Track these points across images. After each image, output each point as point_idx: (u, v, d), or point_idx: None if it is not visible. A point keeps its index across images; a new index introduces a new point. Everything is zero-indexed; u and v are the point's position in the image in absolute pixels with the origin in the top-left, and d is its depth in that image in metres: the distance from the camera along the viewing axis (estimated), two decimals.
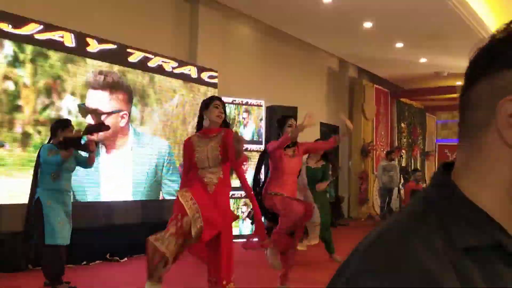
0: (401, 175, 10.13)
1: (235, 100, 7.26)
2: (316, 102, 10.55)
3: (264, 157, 4.18)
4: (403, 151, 12.79)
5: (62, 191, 3.97)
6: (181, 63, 6.67)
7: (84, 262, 5.05)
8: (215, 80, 7.07)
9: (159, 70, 6.27)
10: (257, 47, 8.81)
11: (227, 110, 7.07)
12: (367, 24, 8.37)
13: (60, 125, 4.08)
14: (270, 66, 9.04)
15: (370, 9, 7.68)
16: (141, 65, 6.06)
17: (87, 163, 4.14)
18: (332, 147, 4.36)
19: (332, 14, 7.86)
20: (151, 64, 6.19)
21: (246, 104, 7.34)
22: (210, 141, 3.12)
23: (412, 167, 12.75)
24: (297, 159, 4.09)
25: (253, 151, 7.01)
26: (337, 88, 11.33)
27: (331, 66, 11.18)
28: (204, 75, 6.94)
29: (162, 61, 6.33)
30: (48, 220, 3.80)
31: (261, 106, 7.45)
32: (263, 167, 4.23)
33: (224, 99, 7.16)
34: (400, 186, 9.75)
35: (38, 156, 3.96)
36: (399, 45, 9.52)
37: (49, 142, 4.09)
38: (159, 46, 6.56)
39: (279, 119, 4.40)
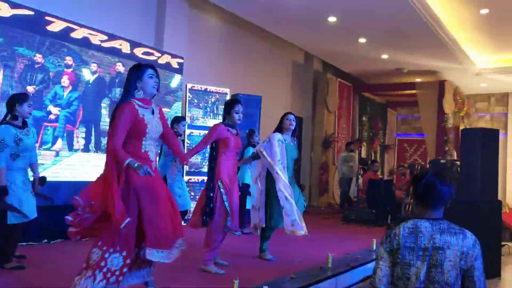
0: (360, 166, 10.49)
1: (200, 88, 7.37)
2: (281, 93, 10.77)
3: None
4: (364, 143, 13.22)
5: (20, 170, 3.98)
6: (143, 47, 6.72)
7: (45, 240, 5.12)
8: (176, 66, 7.14)
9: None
10: (224, 36, 8.93)
11: (193, 97, 7.17)
12: (332, 19, 8.61)
13: (17, 99, 3.98)
14: (236, 55, 9.18)
15: (335, 3, 7.92)
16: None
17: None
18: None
19: (298, 7, 8.05)
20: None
21: (211, 91, 7.46)
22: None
23: (372, 159, 13.20)
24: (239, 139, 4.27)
25: None
26: (301, 80, 11.59)
27: (296, 59, 11.41)
28: (166, 59, 6.99)
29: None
30: (10, 199, 3.81)
31: (226, 94, 7.58)
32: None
33: (190, 86, 7.29)
34: (359, 176, 10.11)
35: None
36: (362, 40, 9.83)
37: (4, 119, 3.99)
38: (125, 31, 6.58)
39: (227, 102, 4.43)
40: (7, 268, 3.84)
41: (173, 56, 7.07)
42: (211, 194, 4.00)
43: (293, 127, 4.75)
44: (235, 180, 4.21)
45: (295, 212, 4.36)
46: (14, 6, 5.06)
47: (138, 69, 2.97)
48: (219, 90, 7.56)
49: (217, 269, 4.05)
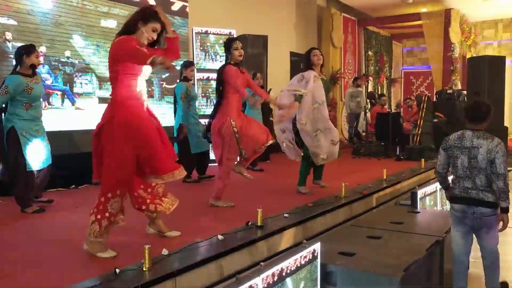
0: (368, 100, 10.60)
1: (207, 30, 7.37)
2: (286, 31, 10.68)
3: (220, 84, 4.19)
4: (370, 78, 13.23)
5: (34, 119, 4.14)
6: None
7: (73, 186, 5.43)
8: (181, 10, 7.12)
9: None
10: None
11: (199, 40, 7.17)
12: None
13: (25, 51, 4.11)
14: None
15: None
16: None
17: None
18: (263, 99, 4.39)
19: None
20: None
21: (218, 34, 7.47)
22: None
23: (379, 93, 13.27)
24: (246, 75, 4.28)
25: None
26: (306, 16, 11.44)
27: None
28: (176, 6, 6.97)
29: None
30: (25, 148, 4.04)
31: (232, 35, 7.59)
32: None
33: (196, 29, 7.30)
34: (367, 110, 10.24)
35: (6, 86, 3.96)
36: None
37: (14, 69, 4.12)
38: None
39: (226, 41, 4.34)
40: (28, 212, 4.11)
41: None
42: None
43: (321, 62, 4.73)
44: (245, 117, 4.27)
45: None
46: None
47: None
48: (225, 32, 7.56)
49: (229, 202, 4.25)
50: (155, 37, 3.00)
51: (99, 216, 2.87)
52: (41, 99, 4.31)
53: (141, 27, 2.94)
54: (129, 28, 2.96)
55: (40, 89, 4.17)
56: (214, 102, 4.37)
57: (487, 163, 3.08)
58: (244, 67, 4.39)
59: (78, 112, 5.81)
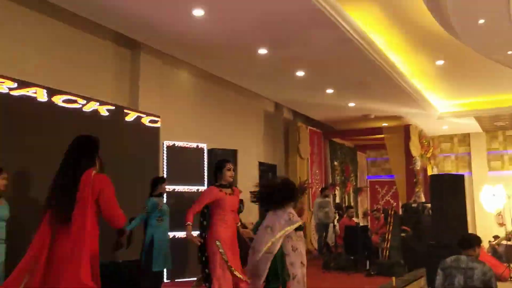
0: (336, 211, 10.70)
1: (176, 144, 7.51)
2: (254, 143, 11.03)
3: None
4: (337, 187, 13.51)
5: None
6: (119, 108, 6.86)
7: None
8: (158, 125, 7.30)
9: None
10: (197, 92, 9.19)
11: (171, 154, 7.26)
12: (300, 73, 9.04)
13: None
14: (210, 110, 9.43)
15: (302, 59, 8.35)
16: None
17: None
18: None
19: (267, 63, 8.44)
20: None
21: (188, 148, 7.61)
22: None
23: (346, 203, 13.48)
24: (236, 196, 4.33)
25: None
26: (273, 129, 11.91)
27: (267, 109, 11.78)
28: (145, 120, 7.14)
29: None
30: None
31: (203, 150, 7.74)
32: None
33: (166, 143, 7.43)
34: (335, 222, 10.29)
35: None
36: (330, 91, 10.29)
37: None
38: (100, 93, 6.73)
39: (218, 162, 4.48)
40: None
41: (149, 114, 7.21)
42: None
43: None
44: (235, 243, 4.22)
45: None
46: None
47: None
48: (196, 146, 7.72)
49: None
50: None
51: None
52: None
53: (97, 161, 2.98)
54: (93, 160, 2.97)
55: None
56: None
57: (481, 283, 3.74)
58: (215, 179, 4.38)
59: None
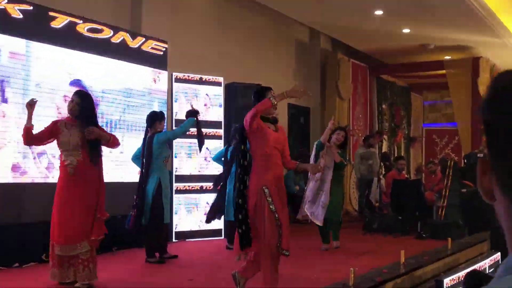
0: (382, 163, 10.73)
1: (188, 76, 7.56)
2: (283, 79, 10.96)
3: (242, 138, 4.08)
4: (385, 136, 13.46)
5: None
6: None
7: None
8: (159, 52, 7.34)
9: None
10: (214, 14, 9.12)
11: (180, 88, 7.36)
12: None
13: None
14: (229, 37, 9.37)
15: None
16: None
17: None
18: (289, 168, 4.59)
19: None
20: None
21: (202, 81, 7.66)
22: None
23: (395, 155, 13.45)
24: (281, 134, 4.20)
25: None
26: (307, 63, 11.80)
27: (300, 37, 11.63)
28: (148, 46, 7.17)
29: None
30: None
31: (220, 83, 7.78)
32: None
33: (176, 75, 7.49)
34: (381, 176, 10.33)
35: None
36: (379, 12, 10.06)
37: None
38: (97, 13, 6.78)
39: (257, 90, 4.33)
40: None
41: (154, 39, 7.23)
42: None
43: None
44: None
45: None
46: None
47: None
48: (211, 79, 7.75)
49: None
50: None
51: None
52: None
53: None
54: None
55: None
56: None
57: None
58: (234, 120, 4.40)
59: None
